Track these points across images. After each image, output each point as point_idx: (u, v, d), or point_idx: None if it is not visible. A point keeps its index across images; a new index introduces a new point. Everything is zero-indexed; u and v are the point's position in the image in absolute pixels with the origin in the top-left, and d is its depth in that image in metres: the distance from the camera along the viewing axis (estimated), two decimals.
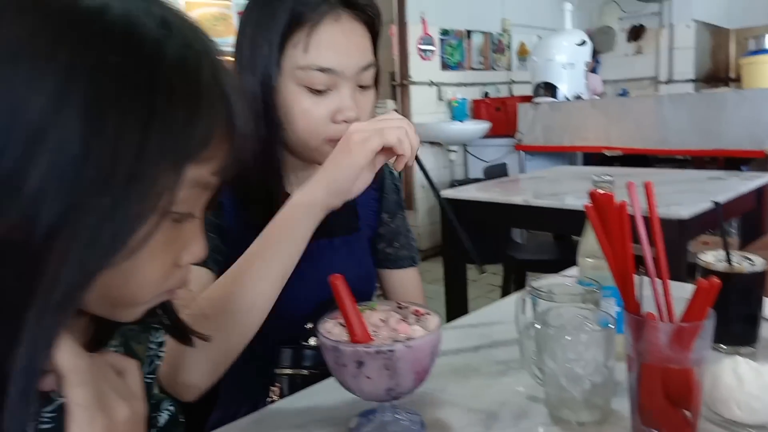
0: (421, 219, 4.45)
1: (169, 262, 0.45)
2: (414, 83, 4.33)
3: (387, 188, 1.07)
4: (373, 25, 0.88)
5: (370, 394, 0.67)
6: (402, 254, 1.09)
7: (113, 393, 0.43)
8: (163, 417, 0.66)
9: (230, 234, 0.88)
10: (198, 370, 0.74)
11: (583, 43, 4.05)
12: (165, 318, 0.55)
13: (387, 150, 0.79)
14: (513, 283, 2.82)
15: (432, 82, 4.45)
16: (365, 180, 0.80)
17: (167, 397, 0.68)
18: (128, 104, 0.38)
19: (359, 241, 1.03)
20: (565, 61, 3.98)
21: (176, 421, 0.66)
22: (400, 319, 0.70)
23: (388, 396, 0.67)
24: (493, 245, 3.45)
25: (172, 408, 0.66)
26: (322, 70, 0.82)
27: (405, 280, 1.08)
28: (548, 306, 0.75)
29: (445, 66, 4.56)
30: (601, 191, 0.66)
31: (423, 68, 4.38)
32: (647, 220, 0.62)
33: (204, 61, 0.42)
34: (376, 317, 0.70)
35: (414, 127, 0.81)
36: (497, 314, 1.10)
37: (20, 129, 0.36)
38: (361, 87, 0.87)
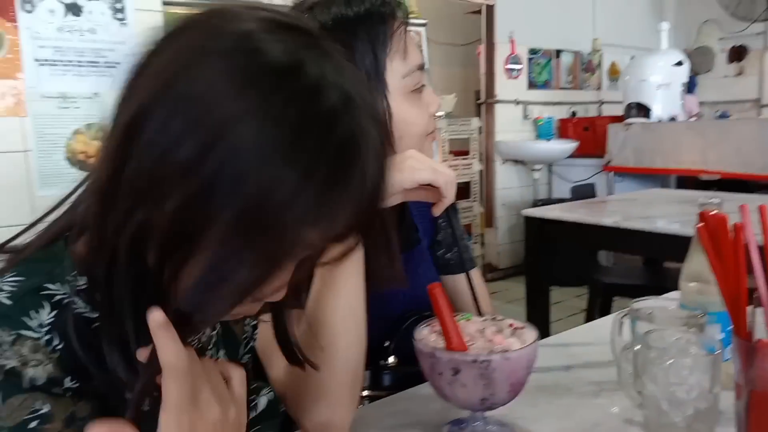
0: (501, 237, 4.40)
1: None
2: (499, 102, 4.31)
3: None
4: None
5: (464, 402, 0.68)
6: (465, 257, 1.04)
7: (210, 394, 0.46)
8: (262, 402, 0.70)
9: None
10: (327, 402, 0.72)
11: (680, 63, 3.90)
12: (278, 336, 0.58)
13: (428, 190, 0.79)
14: (598, 307, 2.73)
15: (518, 100, 4.41)
16: (393, 201, 0.79)
17: (266, 383, 0.72)
18: (294, 155, 0.40)
19: (422, 254, 1.03)
20: (660, 81, 3.84)
21: (275, 408, 0.70)
22: (496, 331, 0.70)
23: (482, 406, 0.67)
24: (577, 267, 3.37)
25: (271, 394, 0.70)
26: (420, 67, 0.85)
27: (469, 282, 1.07)
28: (649, 328, 0.73)
29: (532, 85, 4.51)
30: (711, 213, 0.64)
31: (509, 87, 4.35)
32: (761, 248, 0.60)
33: (366, 145, 0.44)
34: (472, 327, 0.71)
35: (455, 181, 0.81)
36: (589, 335, 1.08)
37: (208, 123, 0.40)
38: None
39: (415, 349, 0.69)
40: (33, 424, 0.47)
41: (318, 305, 0.72)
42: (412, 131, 0.86)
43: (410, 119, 0.85)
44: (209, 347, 0.62)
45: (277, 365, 0.76)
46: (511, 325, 0.72)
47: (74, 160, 2.28)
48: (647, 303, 0.83)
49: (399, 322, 0.91)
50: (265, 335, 0.72)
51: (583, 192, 3.17)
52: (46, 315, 0.48)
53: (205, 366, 0.47)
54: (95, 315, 0.49)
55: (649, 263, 3.04)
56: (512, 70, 4.34)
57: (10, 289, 0.48)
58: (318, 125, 0.41)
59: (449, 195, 0.79)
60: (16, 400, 0.46)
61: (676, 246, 2.04)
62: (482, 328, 0.71)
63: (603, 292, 2.73)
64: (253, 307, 0.51)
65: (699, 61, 4.94)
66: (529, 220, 2.53)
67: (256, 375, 0.76)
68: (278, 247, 0.42)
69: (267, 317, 0.68)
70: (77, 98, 2.22)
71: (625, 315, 0.83)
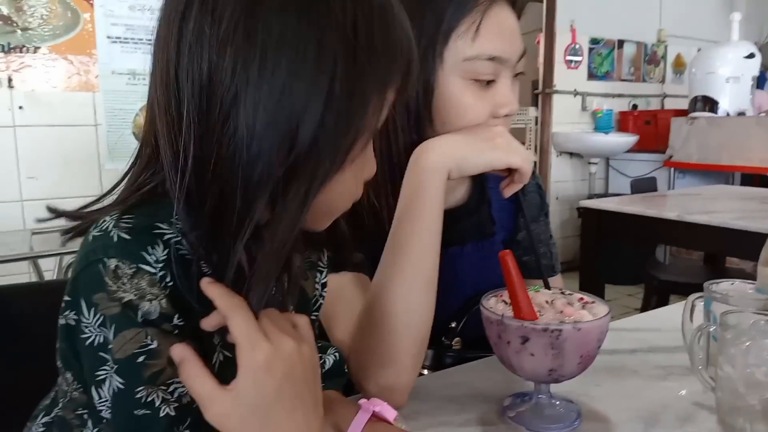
0: (554, 232, 4.31)
1: (361, 174, 0.55)
2: (557, 92, 4.22)
3: (528, 191, 1.01)
4: (518, 14, 0.85)
5: (530, 373, 0.67)
6: (543, 264, 0.99)
7: (278, 330, 0.48)
8: (329, 361, 0.71)
9: None
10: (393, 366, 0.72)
11: (752, 55, 3.73)
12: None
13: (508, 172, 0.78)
14: (653, 306, 2.65)
15: (576, 91, 4.31)
16: (474, 172, 0.77)
17: (331, 344, 0.73)
18: (338, 36, 0.46)
19: (494, 247, 0.96)
20: (730, 74, 3.68)
21: (341, 368, 0.71)
22: (566, 303, 0.69)
23: (549, 377, 0.66)
24: (633, 265, 3.28)
25: (337, 354, 0.71)
26: (491, 58, 0.78)
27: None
28: (726, 309, 0.71)
29: (592, 75, 4.40)
30: None
31: (568, 77, 4.25)
32: None
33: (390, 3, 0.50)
34: (541, 298, 0.70)
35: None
36: (655, 321, 1.05)
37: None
38: (514, 77, 0.84)
39: (483, 317, 0.68)
40: (141, 359, 0.49)
41: (393, 275, 0.72)
42: (462, 121, 0.80)
43: (463, 109, 0.79)
44: None
45: (340, 328, 0.77)
46: (581, 299, 0.71)
47: (140, 135, 2.35)
48: (722, 286, 0.81)
49: (465, 307, 0.91)
50: (328, 299, 0.74)
51: (644, 186, 3.07)
52: (160, 252, 0.50)
53: (266, 311, 0.49)
54: (193, 257, 0.51)
55: (709, 261, 2.94)
56: (572, 60, 4.24)
57: (127, 225, 0.50)
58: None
59: (523, 182, 0.78)
60: (129, 333, 0.49)
61: (740, 242, 1.97)
62: (552, 299, 0.70)
63: (659, 290, 2.65)
64: (360, 188, 0.56)
65: None
66: (586, 213, 2.48)
67: (321, 336, 0.78)
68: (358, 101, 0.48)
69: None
70: (145, 75, 2.28)
71: (699, 297, 0.81)
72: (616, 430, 0.68)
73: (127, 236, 0.50)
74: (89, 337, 0.50)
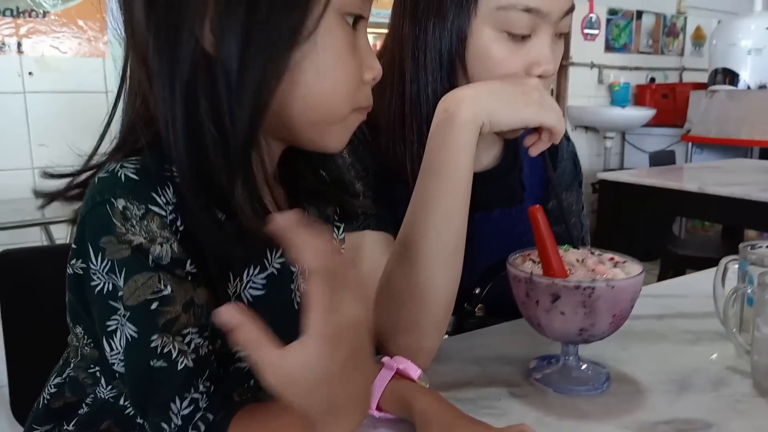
0: None
1: (356, 69, 0.51)
2: (574, 64, 4.14)
3: (562, 156, 0.97)
4: None
5: (559, 332, 0.64)
6: (573, 235, 0.96)
7: (351, 294, 0.40)
8: None
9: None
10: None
11: None
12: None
13: (537, 131, 0.72)
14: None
15: (593, 63, 4.22)
16: (510, 135, 0.74)
17: None
18: None
19: (522, 215, 0.92)
20: (751, 46, 3.59)
21: None
22: (597, 262, 0.67)
23: (579, 337, 0.64)
24: (650, 240, 3.23)
25: None
26: (528, 10, 0.71)
27: None
28: (764, 271, 0.67)
29: (609, 48, 4.30)
30: None
31: (585, 49, 4.16)
32: None
33: None
34: (572, 257, 0.67)
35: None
36: (679, 288, 1.02)
37: None
38: (557, 35, 0.78)
39: (510, 276, 0.66)
40: (154, 305, 0.47)
41: (418, 237, 0.68)
42: (492, 77, 0.74)
43: (493, 63, 0.74)
44: None
45: None
46: (611, 259, 0.68)
47: None
48: (756, 249, 0.78)
49: (491, 273, 0.87)
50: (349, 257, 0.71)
51: (663, 159, 3.01)
52: (170, 193, 0.48)
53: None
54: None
55: (727, 236, 2.89)
56: (589, 33, 4.15)
57: (134, 166, 0.48)
58: None
59: (554, 141, 0.72)
60: (140, 277, 0.46)
61: (761, 214, 1.93)
62: (583, 258, 0.67)
63: (675, 264, 2.62)
64: (364, 91, 0.53)
65: None
66: (604, 186, 2.44)
67: None
68: None
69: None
70: None
71: (732, 260, 0.78)
72: (648, 393, 0.66)
73: (135, 176, 0.47)
74: (98, 284, 0.47)
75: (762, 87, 3.63)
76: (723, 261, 0.78)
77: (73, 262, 0.51)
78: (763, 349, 0.65)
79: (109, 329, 0.47)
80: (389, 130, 0.79)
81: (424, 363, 0.69)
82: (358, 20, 0.51)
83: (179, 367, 0.47)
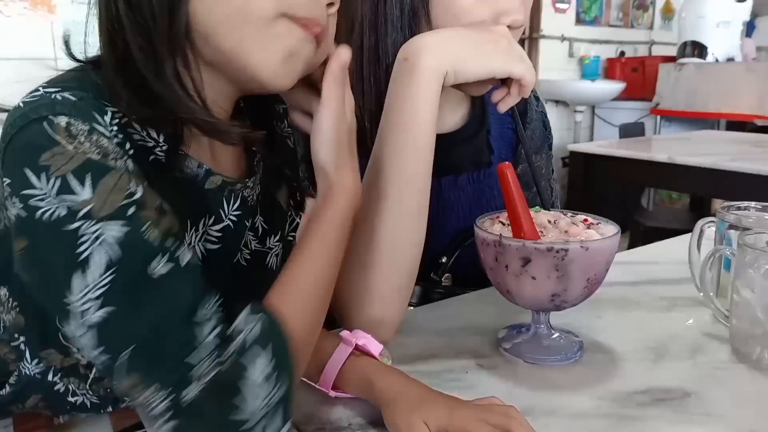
0: None
1: None
2: (544, 37, 4.09)
3: (531, 117, 0.93)
4: None
5: (530, 299, 0.60)
6: (543, 200, 0.93)
7: (348, 104, 0.55)
8: None
9: None
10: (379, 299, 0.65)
11: None
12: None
13: (505, 85, 0.67)
14: None
15: (564, 36, 4.18)
16: (480, 90, 0.70)
17: None
18: None
19: (490, 179, 0.89)
20: (720, 18, 3.59)
21: None
22: (570, 223, 0.62)
23: (551, 304, 0.60)
24: (619, 212, 3.24)
25: None
26: None
27: None
28: (743, 231, 0.64)
29: (580, 20, 4.26)
30: None
31: (555, 22, 4.11)
32: None
33: None
34: (543, 218, 0.63)
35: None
36: (654, 255, 1.00)
37: None
38: None
39: (478, 239, 0.61)
40: (131, 210, 0.40)
41: (377, 199, 0.63)
42: (459, 21, 0.70)
43: (460, 10, 0.69)
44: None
45: None
46: (585, 220, 0.64)
47: None
48: (735, 211, 0.74)
49: (457, 241, 0.83)
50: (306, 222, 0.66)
51: (632, 131, 3.01)
52: (110, 118, 0.42)
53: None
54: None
55: (695, 207, 2.91)
56: (560, 3, 4.10)
57: (66, 89, 0.41)
58: None
59: (523, 94, 0.67)
60: (109, 179, 0.39)
61: (732, 184, 1.93)
62: (555, 219, 0.63)
63: (645, 236, 2.63)
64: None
65: (760, 2, 4.61)
66: (574, 157, 2.42)
67: None
68: None
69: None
70: None
71: (709, 222, 0.74)
72: (623, 362, 0.62)
73: (71, 97, 0.41)
74: (47, 210, 0.39)
75: (730, 60, 3.65)
76: (699, 223, 0.75)
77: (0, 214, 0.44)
78: (742, 313, 0.61)
79: (80, 259, 0.38)
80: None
81: (387, 336, 0.64)
82: None
83: (188, 267, 0.41)
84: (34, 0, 2.15)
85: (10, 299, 0.49)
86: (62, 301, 0.39)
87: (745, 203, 0.74)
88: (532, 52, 4.12)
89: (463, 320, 0.71)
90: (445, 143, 0.73)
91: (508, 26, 0.69)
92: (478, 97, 0.85)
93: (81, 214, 0.38)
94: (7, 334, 0.51)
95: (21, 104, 0.41)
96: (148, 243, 0.40)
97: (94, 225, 0.39)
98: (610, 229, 0.61)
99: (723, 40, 3.63)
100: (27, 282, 0.43)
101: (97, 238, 0.39)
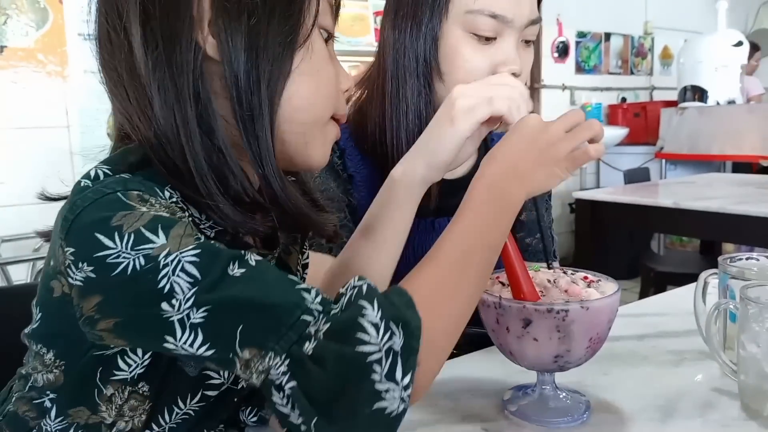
0: None
1: (335, 76, 0.55)
2: (546, 87, 4.18)
3: None
4: None
5: (533, 361, 0.60)
6: (546, 245, 0.96)
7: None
8: None
9: (360, 209, 0.83)
10: None
11: (740, 43, 3.69)
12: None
13: (495, 118, 0.69)
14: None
15: (565, 86, 4.26)
16: (468, 152, 0.72)
17: None
18: None
19: None
20: (718, 63, 3.65)
21: None
22: (570, 282, 0.62)
23: (555, 365, 0.59)
24: (629, 258, 3.22)
25: None
26: (493, 16, 0.77)
27: None
28: (746, 284, 0.64)
29: (580, 69, 4.35)
30: None
31: (556, 71, 4.20)
32: None
33: None
34: (543, 277, 0.63)
35: (528, 91, 0.71)
36: (660, 306, 0.99)
37: None
38: (524, 42, 0.82)
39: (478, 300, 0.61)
40: (200, 241, 0.43)
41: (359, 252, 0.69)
42: (461, 72, 0.79)
43: (461, 59, 0.79)
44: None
45: None
46: (585, 278, 0.64)
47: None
48: (735, 262, 0.74)
49: None
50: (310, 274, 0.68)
51: (638, 176, 3.01)
52: (169, 195, 0.47)
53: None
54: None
55: (705, 251, 2.89)
56: (559, 53, 4.19)
57: (131, 178, 0.46)
58: None
59: (518, 117, 0.67)
60: (179, 227, 0.43)
61: (738, 227, 1.92)
62: (554, 278, 0.63)
63: (656, 281, 2.60)
64: (341, 99, 0.57)
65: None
66: (580, 205, 2.42)
67: None
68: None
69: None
70: None
71: (712, 274, 0.74)
72: (631, 422, 0.61)
73: (137, 181, 0.46)
74: (123, 263, 0.41)
75: (731, 102, 3.69)
76: (702, 275, 0.75)
77: (53, 282, 0.47)
78: (749, 368, 0.60)
79: (164, 292, 0.41)
80: (374, 126, 0.84)
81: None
82: (329, 38, 0.56)
83: (263, 262, 0.44)
84: (47, 70, 2.22)
85: (56, 360, 0.51)
86: (161, 318, 0.41)
87: (747, 254, 0.74)
88: (534, 102, 4.19)
89: (467, 382, 0.70)
90: (452, 189, 0.78)
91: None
92: (483, 144, 0.88)
93: (160, 257, 0.41)
94: (35, 392, 0.52)
95: (88, 183, 0.46)
96: (222, 250, 0.43)
97: (171, 257, 0.42)
98: (610, 286, 0.61)
99: (723, 83, 3.68)
100: (104, 331, 0.44)
101: (175, 267, 0.41)
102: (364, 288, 0.43)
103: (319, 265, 0.73)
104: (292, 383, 0.39)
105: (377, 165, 0.84)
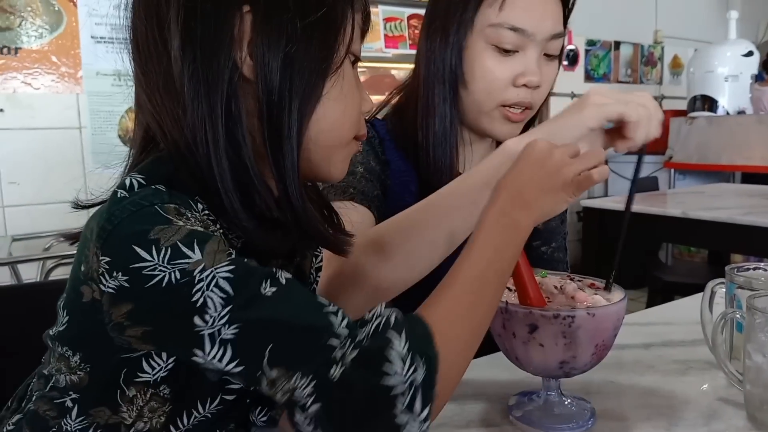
0: None
1: (360, 100, 0.56)
2: (555, 95, 4.15)
3: None
4: None
5: (539, 367, 0.60)
6: (557, 257, 1.00)
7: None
8: None
9: (391, 194, 0.87)
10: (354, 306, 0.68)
11: (750, 53, 3.68)
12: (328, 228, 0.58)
13: (617, 132, 0.70)
14: None
15: (574, 94, 4.25)
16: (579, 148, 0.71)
17: None
18: None
19: None
20: (728, 72, 3.63)
21: None
22: (577, 288, 0.63)
23: (560, 371, 0.60)
24: (636, 268, 3.20)
25: None
26: (514, 29, 0.81)
27: None
28: (753, 294, 0.64)
29: (589, 78, 4.34)
30: None
31: (565, 80, 4.20)
32: None
33: None
34: (549, 284, 0.63)
35: (661, 114, 0.70)
36: (666, 315, 0.99)
37: None
38: (546, 56, 0.85)
39: None
40: (234, 265, 0.44)
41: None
42: (483, 82, 0.83)
43: (483, 70, 0.83)
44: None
45: None
46: (592, 285, 0.65)
47: (126, 138, 2.29)
48: (743, 272, 0.74)
49: None
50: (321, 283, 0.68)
51: (646, 186, 3.01)
52: (201, 207, 0.48)
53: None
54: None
55: (713, 261, 2.87)
56: (569, 62, 4.19)
57: (168, 186, 0.48)
58: None
59: (637, 136, 0.68)
60: (213, 243, 0.44)
61: (747, 237, 1.91)
62: (561, 284, 0.63)
63: (664, 291, 2.59)
64: (363, 122, 0.58)
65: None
66: (588, 214, 2.42)
67: None
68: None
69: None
70: (131, 77, 2.22)
71: (719, 284, 0.74)
72: (636, 430, 0.61)
73: (167, 190, 0.47)
74: (160, 277, 0.42)
75: (741, 112, 3.67)
76: (710, 285, 0.75)
77: (84, 288, 0.47)
78: (756, 378, 0.60)
79: (198, 305, 0.42)
80: (408, 125, 0.89)
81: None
82: (355, 61, 0.57)
83: (293, 280, 0.46)
84: (60, 72, 2.24)
85: (82, 363, 0.51)
86: (192, 332, 0.42)
87: (754, 264, 0.74)
88: (543, 110, 4.18)
89: (472, 387, 0.71)
90: None
91: (524, 85, 0.83)
92: (496, 144, 0.90)
93: (195, 271, 0.43)
94: (56, 392, 0.53)
95: (125, 193, 0.46)
96: (256, 269, 0.45)
97: (204, 276, 0.43)
98: (617, 294, 0.62)
99: (732, 93, 3.66)
100: (132, 337, 0.46)
101: (210, 282, 0.43)
102: (392, 319, 0.44)
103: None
104: (317, 405, 0.41)
105: (410, 160, 0.90)
